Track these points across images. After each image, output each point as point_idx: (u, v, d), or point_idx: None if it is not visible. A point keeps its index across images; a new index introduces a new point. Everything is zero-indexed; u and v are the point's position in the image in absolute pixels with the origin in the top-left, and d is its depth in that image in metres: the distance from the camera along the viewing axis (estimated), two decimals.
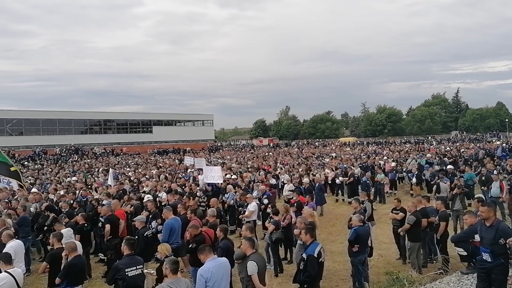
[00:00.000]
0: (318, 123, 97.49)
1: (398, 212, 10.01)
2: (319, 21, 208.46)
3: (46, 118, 55.04)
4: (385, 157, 27.63)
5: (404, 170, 22.06)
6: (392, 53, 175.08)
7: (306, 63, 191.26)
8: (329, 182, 20.04)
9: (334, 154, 37.19)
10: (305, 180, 16.54)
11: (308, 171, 21.99)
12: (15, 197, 14.80)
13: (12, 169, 11.40)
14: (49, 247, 9.38)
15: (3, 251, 7.55)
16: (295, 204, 11.57)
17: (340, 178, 18.96)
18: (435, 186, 15.10)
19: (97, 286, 9.38)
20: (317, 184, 16.53)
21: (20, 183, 12.15)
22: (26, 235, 10.50)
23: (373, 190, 18.10)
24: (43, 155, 45.74)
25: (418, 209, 9.43)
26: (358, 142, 65.73)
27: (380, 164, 22.33)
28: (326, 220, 14.98)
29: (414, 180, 18.72)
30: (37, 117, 54.44)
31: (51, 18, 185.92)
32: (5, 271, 6.19)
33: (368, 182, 17.22)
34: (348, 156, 33.26)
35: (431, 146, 42.49)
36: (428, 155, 27.04)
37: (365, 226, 8.19)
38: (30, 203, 12.83)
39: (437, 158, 25.20)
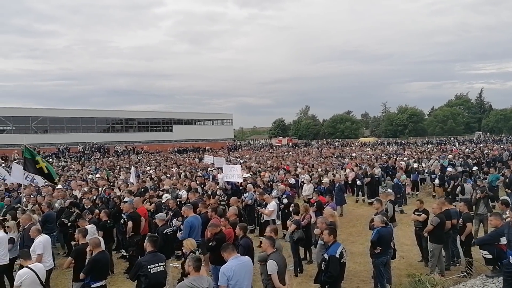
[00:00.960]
0: (338, 123, 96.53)
1: (421, 213, 9.86)
2: (339, 20, 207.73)
3: (70, 116, 56.21)
4: (405, 158, 27.25)
5: (426, 171, 21.71)
6: (413, 53, 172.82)
7: (326, 62, 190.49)
8: (349, 182, 19.89)
9: (354, 154, 36.87)
10: (325, 180, 16.44)
11: (328, 171, 21.86)
12: (42, 194, 15.20)
13: (38, 166, 11.56)
14: (73, 243, 9.61)
15: (32, 246, 7.77)
16: (315, 204, 11.54)
17: (363, 180, 18.67)
18: (459, 187, 14.82)
19: (119, 282, 9.53)
20: (337, 184, 16.42)
21: (49, 179, 12.27)
22: (51, 231, 10.71)
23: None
24: (66, 153, 46.77)
25: (442, 211, 9.27)
26: (379, 142, 64.91)
27: (401, 164, 22.04)
28: (346, 220, 14.87)
29: (436, 181, 18.40)
30: (61, 115, 55.61)
31: (74, 18, 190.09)
32: (26, 267, 6.33)
33: (400, 184, 16.91)
34: (368, 156, 32.94)
35: (454, 147, 41.68)
36: (450, 156, 26.56)
37: (388, 227, 8.06)
38: (55, 200, 13.14)
39: (460, 159, 24.72)
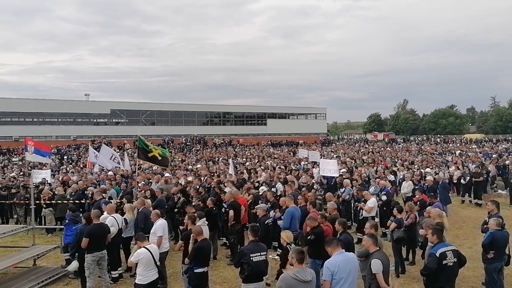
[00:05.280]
0: (440, 118, 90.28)
1: None
2: (441, 8, 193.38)
3: (174, 110, 60.64)
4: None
5: None
6: None
7: (426, 53, 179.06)
8: (455, 181, 18.58)
9: (459, 152, 34.29)
10: (429, 178, 15.53)
11: (429, 168, 20.63)
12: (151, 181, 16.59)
13: (150, 155, 12.61)
14: (181, 227, 10.35)
15: (153, 228, 8.52)
16: (418, 203, 11.02)
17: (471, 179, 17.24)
18: None
19: (221, 267, 10.05)
20: (440, 183, 15.44)
21: (163, 165, 13.34)
22: (161, 216, 11.63)
23: (505, 192, 16.40)
24: (171, 144, 50.28)
25: None
26: (486, 139, 59.30)
27: None
28: (452, 222, 13.84)
29: None
30: (166, 109, 60.30)
31: (177, 18, 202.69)
32: (144, 247, 7.03)
33: None
34: (475, 154, 30.42)
35: None
36: None
37: (503, 231, 7.42)
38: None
39: None
